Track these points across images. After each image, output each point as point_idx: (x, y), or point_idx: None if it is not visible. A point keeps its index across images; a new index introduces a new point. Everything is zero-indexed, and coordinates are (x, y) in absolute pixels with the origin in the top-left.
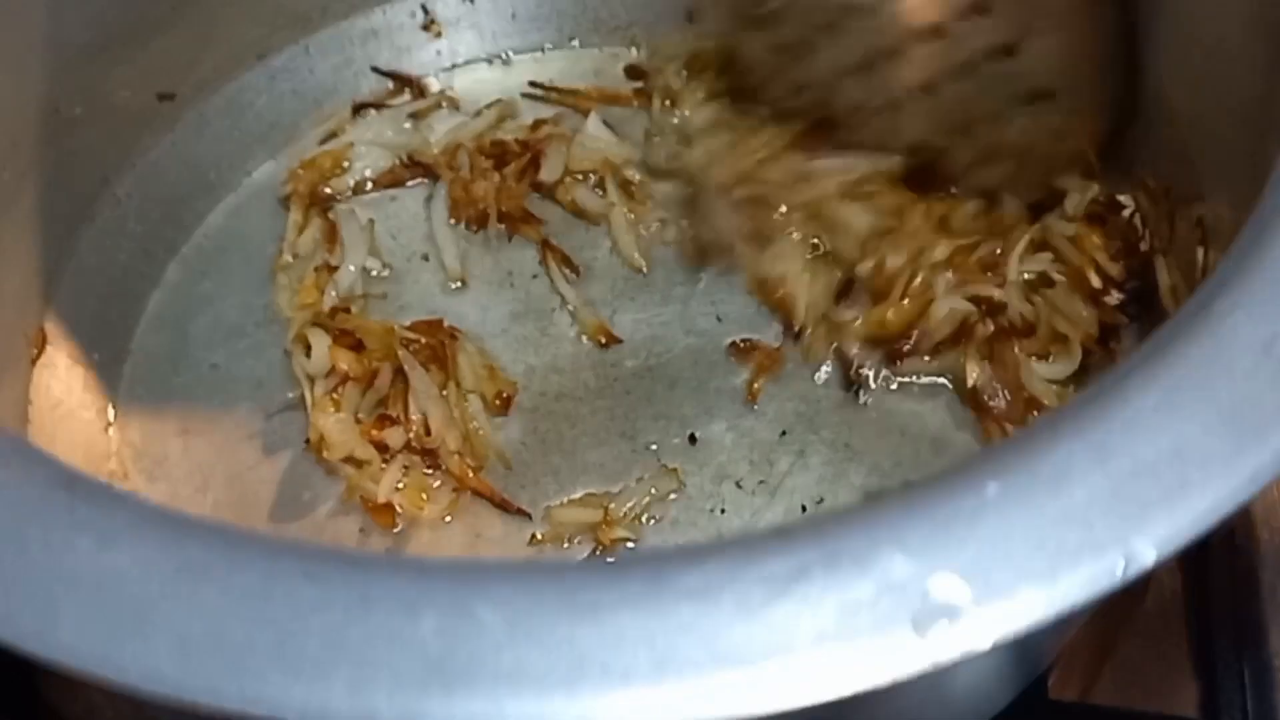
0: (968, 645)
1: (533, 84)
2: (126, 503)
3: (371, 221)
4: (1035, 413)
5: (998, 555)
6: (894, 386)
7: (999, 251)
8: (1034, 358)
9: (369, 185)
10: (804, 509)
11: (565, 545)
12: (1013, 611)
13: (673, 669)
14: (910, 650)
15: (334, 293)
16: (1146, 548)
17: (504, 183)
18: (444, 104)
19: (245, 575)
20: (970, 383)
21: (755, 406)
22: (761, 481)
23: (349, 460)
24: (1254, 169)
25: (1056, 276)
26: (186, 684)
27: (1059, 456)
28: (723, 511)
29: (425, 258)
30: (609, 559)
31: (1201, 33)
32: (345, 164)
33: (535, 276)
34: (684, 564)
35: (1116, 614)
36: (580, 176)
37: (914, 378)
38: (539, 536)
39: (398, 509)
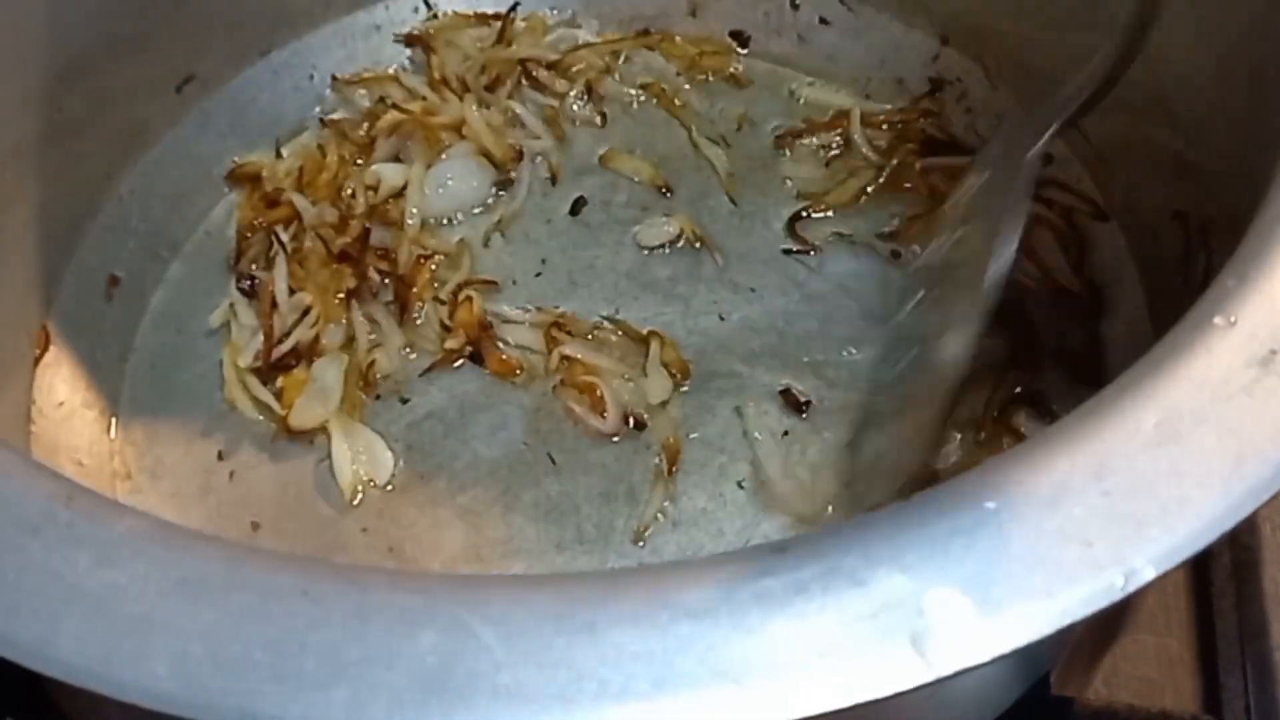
0: (965, 661)
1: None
2: (126, 517)
3: None
4: None
5: (996, 572)
6: None
7: None
8: None
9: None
10: None
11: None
12: (1011, 628)
13: (670, 686)
14: (908, 666)
15: None
16: (1145, 565)
17: None
18: None
19: (244, 592)
20: None
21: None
22: (763, 482)
23: None
24: (1254, 174)
25: None
26: (185, 701)
27: (1057, 473)
28: (724, 513)
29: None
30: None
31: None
32: None
33: (538, 275)
34: (681, 581)
35: (1119, 610)
36: None
37: None
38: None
39: None
